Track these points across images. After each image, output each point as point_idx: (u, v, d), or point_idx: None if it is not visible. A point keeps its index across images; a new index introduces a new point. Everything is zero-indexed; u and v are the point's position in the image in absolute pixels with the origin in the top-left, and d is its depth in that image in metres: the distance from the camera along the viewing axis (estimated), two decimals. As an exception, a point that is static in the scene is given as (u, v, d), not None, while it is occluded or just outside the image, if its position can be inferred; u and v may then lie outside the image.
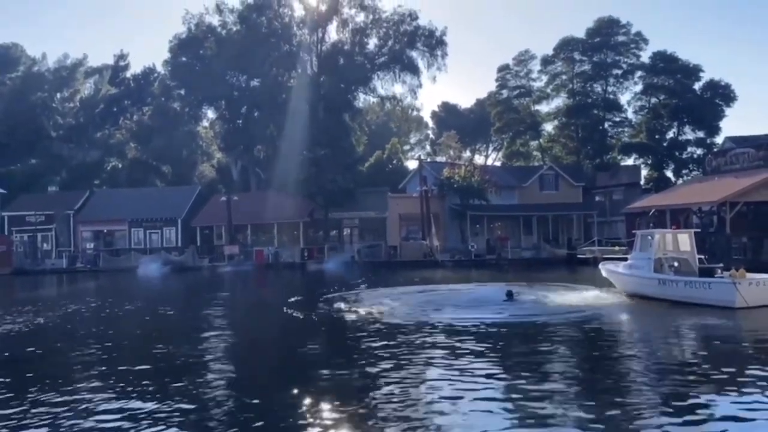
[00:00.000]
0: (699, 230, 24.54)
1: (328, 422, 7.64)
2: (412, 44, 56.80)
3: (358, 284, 27.34)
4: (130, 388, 9.46)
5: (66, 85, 69.36)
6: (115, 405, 8.58)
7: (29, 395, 9.16)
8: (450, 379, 9.55)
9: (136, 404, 8.57)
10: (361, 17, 56.83)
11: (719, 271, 18.13)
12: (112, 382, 9.97)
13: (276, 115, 54.67)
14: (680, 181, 54.29)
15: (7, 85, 64.43)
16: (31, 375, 10.69)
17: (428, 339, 13.33)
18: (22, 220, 52.44)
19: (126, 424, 7.68)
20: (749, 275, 17.30)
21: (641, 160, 62.24)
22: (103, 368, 11.17)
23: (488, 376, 9.85)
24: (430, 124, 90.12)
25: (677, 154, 59.86)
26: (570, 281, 25.62)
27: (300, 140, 50.45)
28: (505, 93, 69.61)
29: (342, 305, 19.67)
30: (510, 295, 19.23)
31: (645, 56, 62.30)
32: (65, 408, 8.43)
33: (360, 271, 37.14)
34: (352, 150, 57.06)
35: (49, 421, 7.91)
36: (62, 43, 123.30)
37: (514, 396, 8.62)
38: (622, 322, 15.44)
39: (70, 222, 53.65)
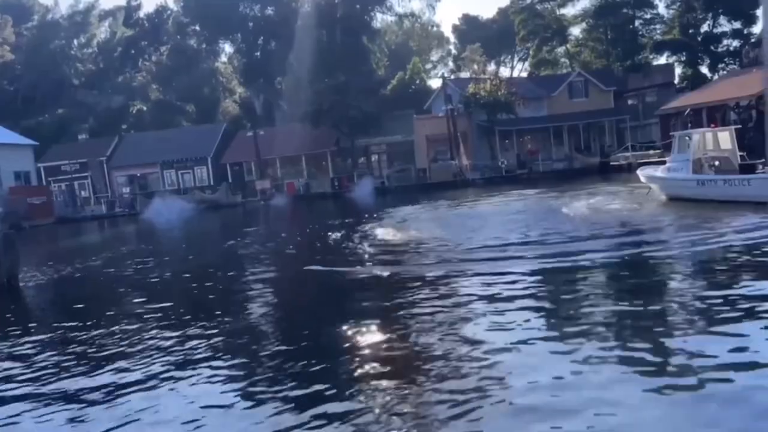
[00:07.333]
0: (739, 126, 23.72)
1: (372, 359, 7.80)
2: (428, -45, 54.46)
3: (390, 209, 27.47)
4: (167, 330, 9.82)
5: (82, 30, 69.10)
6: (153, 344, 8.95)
7: (83, 338, 9.60)
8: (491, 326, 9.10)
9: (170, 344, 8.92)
10: (373, -70, 54.44)
11: (760, 166, 17.68)
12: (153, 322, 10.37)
13: (293, 43, 53.65)
14: (716, 77, 52.12)
15: (25, 36, 64.29)
16: (77, 322, 11.18)
17: (471, 265, 13.14)
18: (57, 170, 53.65)
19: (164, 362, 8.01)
20: (791, 169, 16.84)
21: (674, 57, 59.80)
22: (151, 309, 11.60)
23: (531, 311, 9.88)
24: (452, 39, 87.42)
25: (713, 48, 57.16)
26: (604, 189, 25.28)
27: (320, 68, 49.63)
28: (528, -1, 66.63)
29: (379, 230, 19.73)
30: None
31: (676, -55, 58.65)
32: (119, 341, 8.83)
33: (391, 196, 37.25)
34: (373, 74, 56.01)
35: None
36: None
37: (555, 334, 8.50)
38: (662, 231, 15.01)
39: (104, 168, 54.70)
